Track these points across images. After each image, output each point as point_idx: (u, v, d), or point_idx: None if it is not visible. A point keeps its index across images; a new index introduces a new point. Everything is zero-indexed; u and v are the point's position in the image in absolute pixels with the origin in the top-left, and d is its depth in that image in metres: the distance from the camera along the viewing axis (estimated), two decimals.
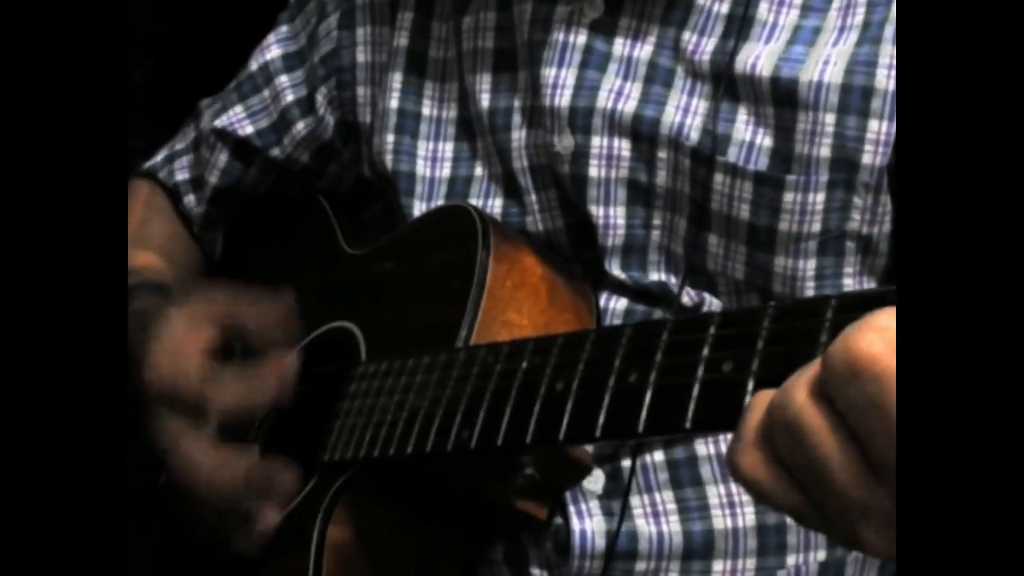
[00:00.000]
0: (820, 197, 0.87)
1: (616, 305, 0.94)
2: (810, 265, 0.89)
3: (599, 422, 0.67)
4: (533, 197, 0.97)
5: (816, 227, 0.88)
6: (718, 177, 0.88)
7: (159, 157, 1.22)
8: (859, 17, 0.86)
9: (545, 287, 0.92)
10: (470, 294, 0.88)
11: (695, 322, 0.65)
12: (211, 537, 0.94)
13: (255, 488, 0.89)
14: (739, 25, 0.88)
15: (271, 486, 0.88)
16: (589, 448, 0.89)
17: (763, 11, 0.89)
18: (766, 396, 0.55)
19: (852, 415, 0.50)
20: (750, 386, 0.59)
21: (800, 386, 0.52)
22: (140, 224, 1.18)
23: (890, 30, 0.85)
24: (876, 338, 0.49)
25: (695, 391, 0.62)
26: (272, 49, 1.15)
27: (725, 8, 0.90)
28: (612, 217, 0.93)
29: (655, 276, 0.94)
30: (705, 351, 0.63)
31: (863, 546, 0.52)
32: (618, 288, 0.95)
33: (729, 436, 0.89)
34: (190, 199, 1.19)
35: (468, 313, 0.87)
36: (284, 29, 1.15)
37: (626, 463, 0.91)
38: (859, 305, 0.56)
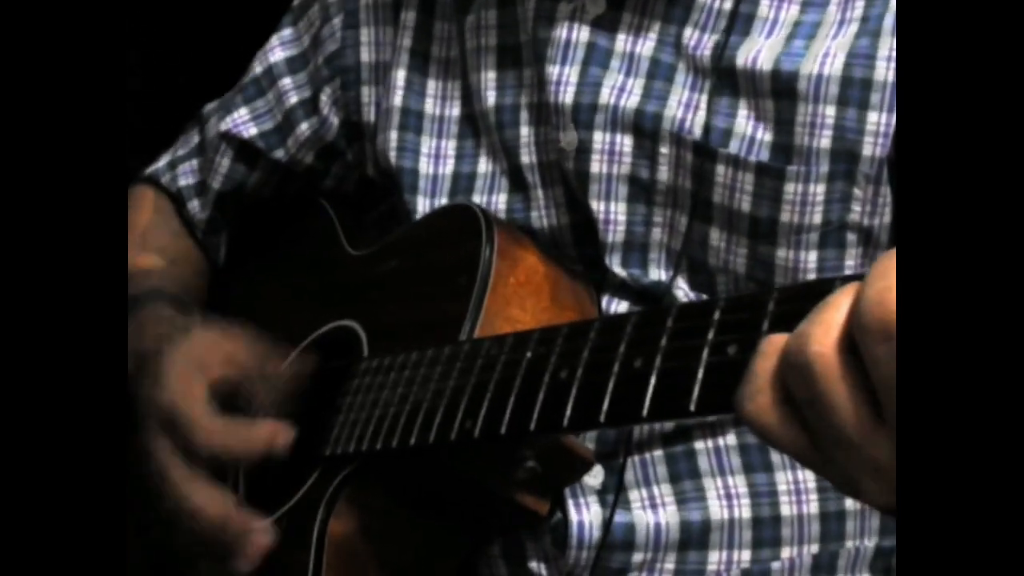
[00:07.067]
0: (821, 188, 0.87)
1: (617, 308, 0.95)
2: (811, 257, 0.90)
3: (603, 408, 0.68)
4: (539, 192, 0.97)
5: (817, 218, 0.88)
6: (720, 169, 0.89)
7: (161, 163, 1.22)
8: (858, 11, 0.87)
9: (548, 284, 0.92)
10: (473, 290, 0.88)
11: (700, 307, 0.66)
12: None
13: (230, 536, 0.90)
14: (734, 20, 0.89)
15: (244, 539, 0.89)
16: (591, 445, 0.90)
17: (764, 7, 0.90)
18: (780, 339, 0.55)
19: (878, 372, 0.50)
20: None
21: (821, 332, 0.53)
22: (146, 230, 1.19)
23: (889, 22, 0.86)
24: None
25: (700, 374, 0.62)
26: (276, 52, 1.16)
27: (727, 5, 0.91)
28: (613, 213, 0.93)
29: (655, 275, 0.94)
30: (710, 335, 0.63)
31: (863, 495, 0.53)
32: (619, 289, 0.95)
33: (725, 434, 0.91)
34: (194, 204, 1.19)
35: (471, 309, 0.88)
36: (287, 32, 1.16)
37: None
38: None
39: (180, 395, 0.93)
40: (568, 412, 0.70)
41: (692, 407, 0.62)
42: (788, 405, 0.54)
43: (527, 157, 0.98)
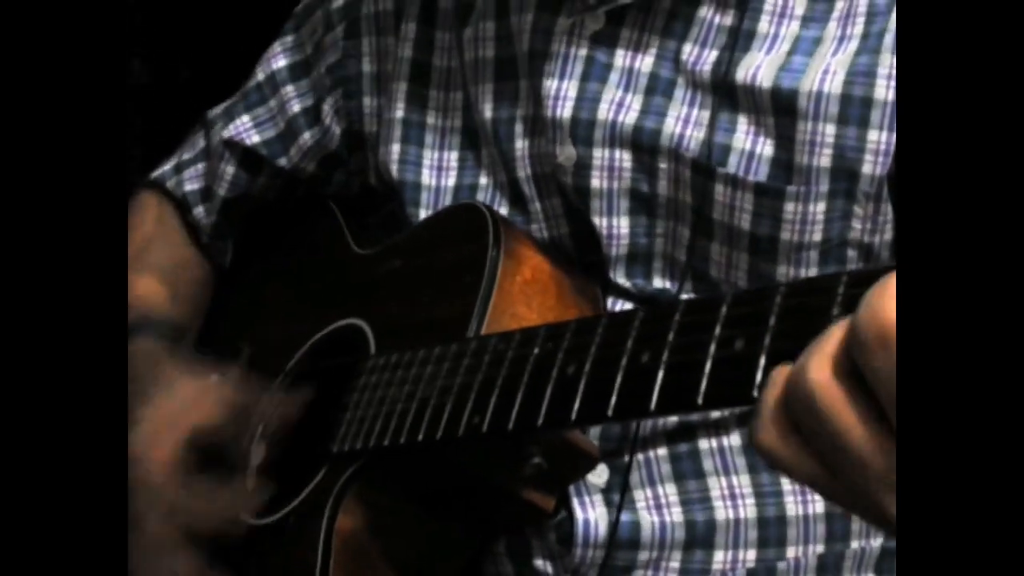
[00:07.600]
0: (821, 207, 0.87)
1: (621, 309, 0.95)
2: (812, 274, 0.90)
3: (611, 402, 0.68)
4: (538, 205, 0.98)
5: (817, 236, 0.89)
6: (719, 188, 0.89)
7: (167, 167, 1.23)
8: (858, 27, 0.87)
9: (554, 283, 0.93)
10: (480, 288, 0.89)
11: (707, 302, 0.66)
12: None
13: None
14: (734, 35, 0.89)
15: None
16: (596, 441, 0.90)
17: (764, 23, 0.89)
18: (783, 372, 0.55)
19: (880, 383, 0.50)
20: (762, 361, 0.60)
21: (816, 362, 0.52)
22: (145, 244, 1.19)
23: (889, 40, 0.86)
24: None
25: (707, 368, 0.63)
26: (278, 59, 1.16)
27: (727, 20, 0.90)
28: (616, 227, 0.94)
29: (659, 284, 0.94)
30: (717, 329, 0.64)
31: (890, 519, 0.52)
32: (622, 295, 0.95)
33: (729, 434, 0.92)
34: (199, 210, 1.19)
35: (478, 306, 0.88)
36: (290, 39, 1.16)
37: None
38: (871, 281, 0.56)
39: (147, 452, 0.94)
40: (576, 407, 0.71)
41: (700, 401, 0.63)
42: (798, 435, 0.54)
43: (522, 170, 0.98)
